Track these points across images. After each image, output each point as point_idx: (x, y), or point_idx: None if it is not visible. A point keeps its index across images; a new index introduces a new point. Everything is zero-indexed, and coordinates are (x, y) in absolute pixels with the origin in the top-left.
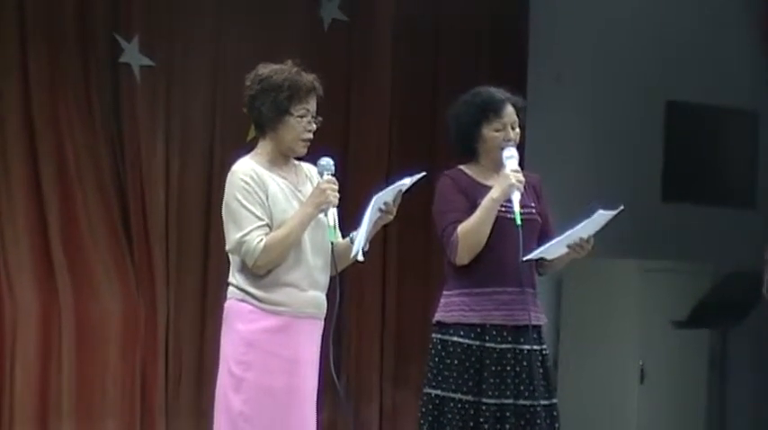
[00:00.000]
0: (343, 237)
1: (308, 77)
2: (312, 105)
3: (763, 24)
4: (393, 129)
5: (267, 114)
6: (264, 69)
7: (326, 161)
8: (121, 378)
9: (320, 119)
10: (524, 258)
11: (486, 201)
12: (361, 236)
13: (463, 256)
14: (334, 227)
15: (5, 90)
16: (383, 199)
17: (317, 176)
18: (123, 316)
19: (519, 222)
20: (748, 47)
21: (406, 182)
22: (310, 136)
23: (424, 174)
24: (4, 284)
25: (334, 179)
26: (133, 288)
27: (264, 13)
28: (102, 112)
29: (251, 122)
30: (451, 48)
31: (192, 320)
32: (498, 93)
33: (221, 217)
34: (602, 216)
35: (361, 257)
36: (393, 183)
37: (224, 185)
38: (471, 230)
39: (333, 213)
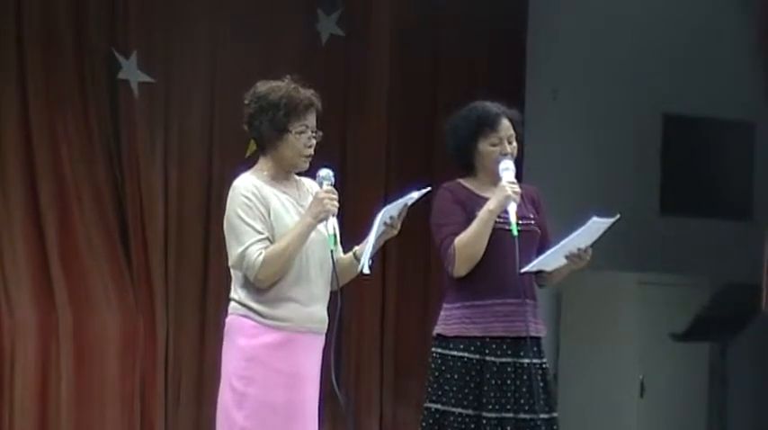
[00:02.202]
0: (344, 251)
1: (306, 93)
2: (311, 121)
3: (758, 37)
4: (390, 144)
5: (266, 132)
6: (262, 87)
7: (326, 172)
8: (120, 392)
9: (320, 133)
10: (522, 271)
11: (482, 213)
12: (368, 249)
13: (461, 268)
14: (335, 236)
15: (4, 106)
16: (390, 212)
17: (317, 188)
18: (122, 330)
19: (516, 233)
20: (745, 59)
21: (414, 196)
22: (311, 151)
23: (430, 188)
24: (2, 299)
25: (332, 189)
26: (132, 302)
27: (262, 29)
28: (101, 128)
29: (250, 138)
30: (449, 62)
31: (192, 334)
32: (493, 107)
33: (221, 231)
34: (596, 223)
35: (367, 270)
36: (390, 198)
37: (223, 199)
38: (468, 242)
39: (333, 223)
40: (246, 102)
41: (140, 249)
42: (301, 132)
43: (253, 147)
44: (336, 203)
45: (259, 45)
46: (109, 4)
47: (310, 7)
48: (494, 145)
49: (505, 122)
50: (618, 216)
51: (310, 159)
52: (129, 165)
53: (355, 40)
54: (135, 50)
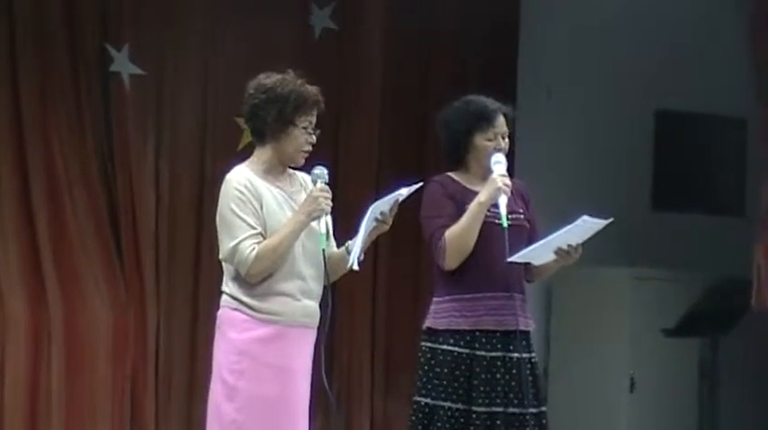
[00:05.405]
0: (338, 246)
1: (313, 90)
2: (314, 118)
3: (750, 36)
4: (383, 139)
5: (272, 124)
6: (268, 79)
7: (320, 170)
8: (111, 387)
9: (319, 131)
10: (509, 259)
11: (473, 206)
12: (357, 245)
13: (451, 261)
14: (327, 234)
15: None
16: (380, 208)
17: (311, 184)
18: (113, 325)
19: (505, 225)
20: (738, 55)
21: (403, 192)
22: (310, 148)
23: (421, 184)
24: None
25: (326, 187)
26: (123, 297)
27: (255, 22)
28: (93, 121)
29: (243, 131)
30: (442, 58)
31: (183, 329)
32: (491, 102)
33: (212, 225)
34: (587, 223)
35: (356, 267)
36: (382, 193)
37: (214, 194)
38: (459, 235)
39: (326, 221)
40: (251, 92)
41: (131, 243)
42: (305, 128)
43: (246, 139)
44: (330, 202)
45: (252, 38)
46: None
47: (304, 1)
48: (489, 140)
49: (501, 118)
50: (611, 219)
51: (307, 155)
52: (120, 159)
53: (349, 34)
54: (127, 43)
